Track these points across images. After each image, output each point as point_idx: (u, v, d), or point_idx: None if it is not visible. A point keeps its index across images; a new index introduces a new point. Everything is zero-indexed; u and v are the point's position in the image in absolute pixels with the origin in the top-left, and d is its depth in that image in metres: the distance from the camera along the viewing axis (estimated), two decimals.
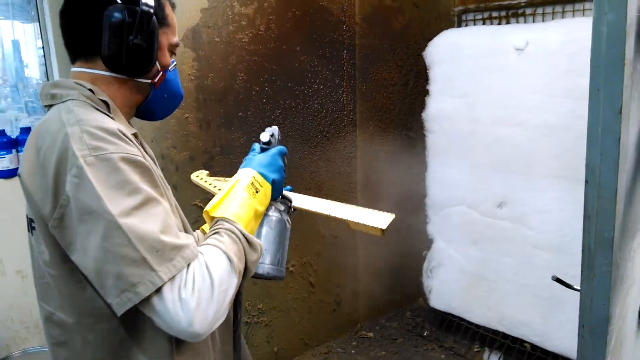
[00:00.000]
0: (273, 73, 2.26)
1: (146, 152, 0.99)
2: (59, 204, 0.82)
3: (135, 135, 0.98)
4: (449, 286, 2.60)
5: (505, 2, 2.43)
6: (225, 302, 0.84)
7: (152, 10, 0.94)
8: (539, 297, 2.22)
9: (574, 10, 2.24)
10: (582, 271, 0.89)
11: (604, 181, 0.82)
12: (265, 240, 1.08)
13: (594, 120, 0.81)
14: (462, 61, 2.37)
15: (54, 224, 0.84)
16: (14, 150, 2.28)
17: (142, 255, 0.78)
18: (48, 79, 2.48)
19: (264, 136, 1.11)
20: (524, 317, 2.29)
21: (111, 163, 0.82)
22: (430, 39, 2.49)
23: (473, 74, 2.33)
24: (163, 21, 1.01)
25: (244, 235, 0.92)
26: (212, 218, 0.95)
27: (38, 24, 2.43)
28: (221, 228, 0.92)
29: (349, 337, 2.74)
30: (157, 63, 1.00)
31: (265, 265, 1.07)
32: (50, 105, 0.96)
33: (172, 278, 0.79)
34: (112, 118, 0.94)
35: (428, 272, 2.70)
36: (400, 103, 2.71)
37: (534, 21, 2.38)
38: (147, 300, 0.78)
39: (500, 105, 2.26)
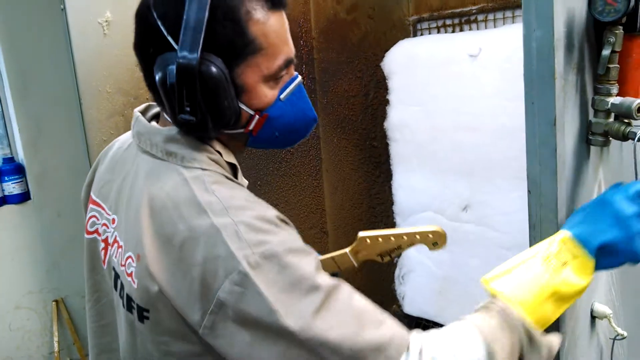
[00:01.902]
0: None
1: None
2: (209, 311, 0.68)
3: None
4: (421, 291, 2.63)
5: (458, 10, 2.48)
6: None
7: (195, 61, 0.68)
8: None
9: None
10: None
11: (544, 191, 0.85)
12: None
13: (531, 133, 0.84)
14: (418, 70, 2.41)
15: (204, 332, 0.70)
16: None
17: None
18: (2, 112, 2.43)
19: None
20: None
21: (278, 259, 0.67)
22: (387, 50, 2.53)
23: (430, 82, 2.38)
24: (244, 51, 0.75)
25: (524, 325, 0.69)
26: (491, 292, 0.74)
27: None
28: (494, 306, 0.72)
29: None
30: (245, 108, 0.78)
31: None
32: (154, 156, 0.79)
33: None
34: (242, 185, 0.79)
35: (400, 278, 2.72)
36: (362, 114, 2.74)
37: (486, 27, 2.43)
38: None
39: (458, 112, 2.31)
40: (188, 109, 0.71)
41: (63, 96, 2.28)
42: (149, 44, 0.75)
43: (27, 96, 2.33)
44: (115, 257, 0.82)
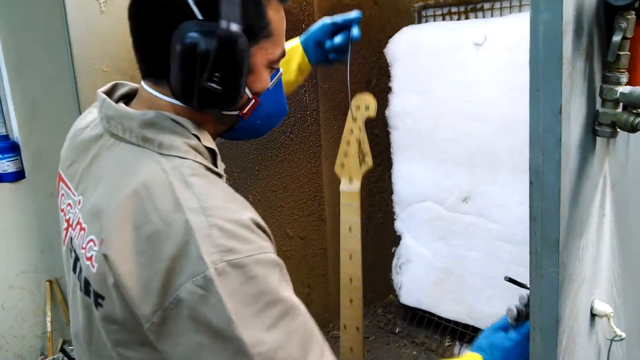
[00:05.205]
0: None
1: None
2: (162, 307, 0.68)
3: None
4: (419, 282, 2.61)
5: None
6: None
7: (237, 33, 0.69)
8: (505, 289, 2.24)
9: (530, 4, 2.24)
10: (530, 273, 0.89)
11: (547, 182, 0.81)
12: None
13: (535, 121, 0.81)
14: (422, 57, 2.36)
15: (151, 328, 0.69)
16: None
17: None
18: None
19: (511, 311, 0.92)
20: (492, 310, 2.31)
21: (245, 270, 0.67)
22: (390, 36, 2.48)
23: (434, 70, 2.33)
24: (260, 33, 0.77)
25: None
26: None
27: None
28: None
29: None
30: (247, 91, 0.79)
31: None
32: (128, 141, 0.77)
33: None
34: (219, 176, 0.77)
35: (397, 268, 2.70)
36: None
37: (492, 15, 2.39)
38: None
39: (461, 100, 2.27)
40: (216, 78, 0.71)
41: (59, 74, 2.24)
42: (168, 12, 0.72)
43: (23, 73, 2.30)
44: (77, 239, 0.81)
